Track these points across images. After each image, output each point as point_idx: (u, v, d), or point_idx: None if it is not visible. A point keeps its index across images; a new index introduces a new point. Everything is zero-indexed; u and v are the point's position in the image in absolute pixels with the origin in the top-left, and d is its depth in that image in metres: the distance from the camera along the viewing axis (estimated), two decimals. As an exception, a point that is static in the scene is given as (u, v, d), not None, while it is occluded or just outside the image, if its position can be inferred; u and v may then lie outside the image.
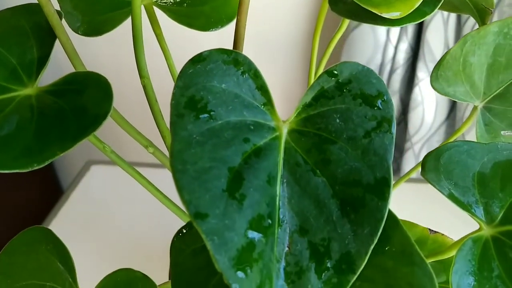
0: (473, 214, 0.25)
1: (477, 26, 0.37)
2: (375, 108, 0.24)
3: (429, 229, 0.32)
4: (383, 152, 0.23)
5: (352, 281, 0.22)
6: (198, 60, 0.24)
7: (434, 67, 0.35)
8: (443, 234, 0.32)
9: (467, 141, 0.28)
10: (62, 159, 1.34)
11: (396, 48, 0.99)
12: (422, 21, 0.92)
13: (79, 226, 0.75)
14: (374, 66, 1.03)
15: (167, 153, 0.34)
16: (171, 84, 0.26)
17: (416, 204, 0.72)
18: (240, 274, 0.20)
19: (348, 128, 0.23)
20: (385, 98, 0.24)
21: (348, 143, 0.23)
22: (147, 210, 0.73)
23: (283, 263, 0.22)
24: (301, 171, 0.23)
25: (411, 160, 1.04)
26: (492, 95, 0.35)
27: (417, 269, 0.21)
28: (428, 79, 0.96)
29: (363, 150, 0.23)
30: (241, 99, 0.24)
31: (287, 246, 0.22)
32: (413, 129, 1.01)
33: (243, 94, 0.24)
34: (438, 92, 0.35)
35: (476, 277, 0.23)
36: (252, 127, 0.23)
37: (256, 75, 0.25)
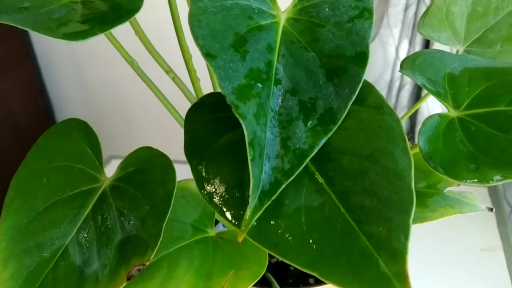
0: (442, 100, 0.30)
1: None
2: (358, 0, 0.29)
3: (410, 141, 0.36)
4: (363, 33, 0.28)
5: (333, 130, 0.26)
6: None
7: (421, 15, 0.40)
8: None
9: (440, 50, 0.32)
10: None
11: (404, 65, 1.05)
12: (428, 37, 0.98)
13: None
14: (384, 83, 1.08)
15: (185, 81, 0.40)
16: None
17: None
18: (239, 101, 0.24)
19: (335, 15, 0.29)
20: (367, -7, 0.29)
21: (335, 26, 0.28)
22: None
23: (276, 113, 0.26)
24: (295, 48, 0.28)
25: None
26: (471, 40, 0.40)
27: (387, 116, 0.26)
28: (434, 92, 1.00)
29: (347, 31, 0.28)
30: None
31: (280, 102, 0.27)
32: (420, 142, 1.05)
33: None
34: (424, 36, 0.40)
35: (440, 138, 0.27)
36: (256, 11, 0.28)
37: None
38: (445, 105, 0.30)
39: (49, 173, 0.33)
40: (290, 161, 0.25)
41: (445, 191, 0.34)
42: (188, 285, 0.30)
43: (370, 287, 0.22)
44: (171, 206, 0.31)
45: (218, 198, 0.27)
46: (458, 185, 0.35)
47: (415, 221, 0.33)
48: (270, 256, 0.45)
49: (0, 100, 1.33)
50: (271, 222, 0.25)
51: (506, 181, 0.25)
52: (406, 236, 0.22)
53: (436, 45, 0.99)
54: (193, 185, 0.36)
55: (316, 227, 0.24)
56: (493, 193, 0.80)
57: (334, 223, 0.24)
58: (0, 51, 1.30)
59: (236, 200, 0.26)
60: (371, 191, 0.24)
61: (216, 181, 0.27)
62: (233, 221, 0.26)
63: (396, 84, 1.07)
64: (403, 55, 1.04)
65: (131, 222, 0.32)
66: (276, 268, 0.48)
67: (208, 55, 0.25)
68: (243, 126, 0.24)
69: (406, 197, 0.23)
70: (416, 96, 1.07)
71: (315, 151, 0.26)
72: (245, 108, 0.24)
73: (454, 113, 0.30)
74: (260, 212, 0.24)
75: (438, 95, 0.29)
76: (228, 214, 0.26)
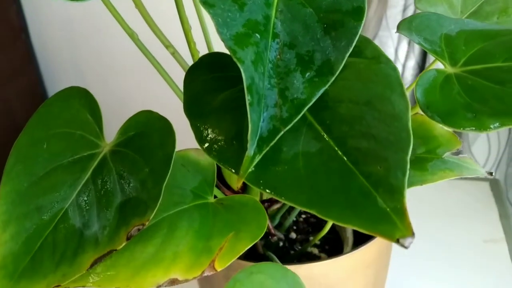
0: (439, 57, 0.30)
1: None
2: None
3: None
4: (360, -12, 0.28)
5: (331, 81, 0.26)
6: None
7: (418, -10, 0.41)
8: (423, 114, 0.36)
9: (437, 13, 0.33)
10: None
11: (404, 66, 1.05)
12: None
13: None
14: (383, 84, 1.09)
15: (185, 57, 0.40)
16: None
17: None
18: (238, 47, 0.25)
19: (331, -28, 0.29)
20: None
21: (331, -17, 0.29)
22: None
23: (274, 64, 0.27)
24: (292, 3, 0.28)
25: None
26: (468, 13, 0.40)
27: (384, 65, 0.26)
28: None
29: (343, -14, 0.28)
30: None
31: (278, 55, 0.27)
32: (421, 142, 1.05)
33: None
34: (421, 10, 0.41)
35: (437, 90, 0.28)
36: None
37: None
38: (442, 62, 0.30)
39: (50, 140, 0.33)
40: (288, 110, 0.26)
41: (444, 155, 0.34)
42: (187, 245, 0.30)
43: (369, 223, 0.22)
44: (171, 168, 0.31)
45: (217, 148, 0.27)
46: (458, 151, 0.35)
47: (415, 184, 0.33)
48: (270, 234, 0.45)
49: (4, 107, 1.34)
50: (270, 168, 0.25)
51: (503, 127, 0.26)
52: (404, 173, 0.22)
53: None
54: (193, 154, 0.36)
55: (314, 170, 0.24)
56: (495, 187, 0.80)
57: (332, 166, 0.24)
58: (2, 59, 1.31)
59: (235, 149, 0.26)
60: (368, 134, 0.24)
61: (215, 133, 0.27)
62: (232, 169, 0.26)
63: (396, 85, 1.07)
64: (402, 56, 1.04)
65: (131, 185, 0.32)
66: (277, 250, 0.48)
67: (205, 3, 0.25)
68: (241, 70, 0.24)
69: (403, 137, 0.23)
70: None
71: (313, 101, 0.26)
72: (243, 54, 0.25)
73: (451, 70, 0.30)
74: (259, 158, 0.24)
75: (435, 53, 0.30)
76: (227, 163, 0.26)
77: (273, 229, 0.44)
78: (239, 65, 0.24)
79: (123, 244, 0.30)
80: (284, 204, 0.44)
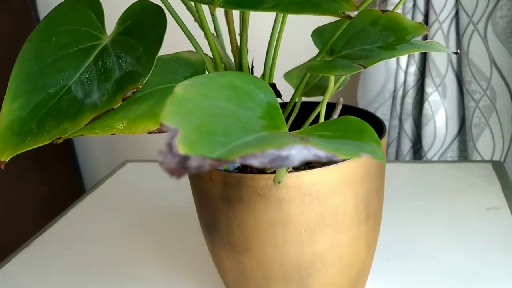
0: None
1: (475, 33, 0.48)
2: None
3: (381, 10, 0.40)
4: None
5: None
6: None
7: None
8: (392, 11, 0.40)
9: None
10: (86, 162, 1.51)
11: (406, 72, 1.09)
12: (426, 40, 1.03)
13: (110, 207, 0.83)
14: (388, 93, 1.12)
15: None
16: None
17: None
18: None
19: None
20: None
21: None
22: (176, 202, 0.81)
23: None
24: None
25: (428, 176, 1.08)
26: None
27: None
28: (436, 92, 1.04)
29: None
30: None
31: None
32: (427, 144, 1.07)
33: None
34: None
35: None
36: None
37: None
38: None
39: (58, 35, 0.38)
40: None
41: (412, 40, 0.38)
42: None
43: (318, 8, 0.25)
44: (162, 44, 0.35)
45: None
46: (425, 38, 0.38)
47: (384, 58, 0.36)
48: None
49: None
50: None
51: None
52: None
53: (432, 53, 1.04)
54: (185, 54, 0.40)
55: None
56: (498, 168, 0.81)
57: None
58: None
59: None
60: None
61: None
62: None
63: (400, 93, 1.11)
64: (404, 63, 1.09)
65: (127, 62, 0.35)
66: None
67: None
68: None
69: None
70: (420, 101, 1.10)
71: None
72: None
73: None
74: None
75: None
76: None
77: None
78: None
79: (119, 104, 0.33)
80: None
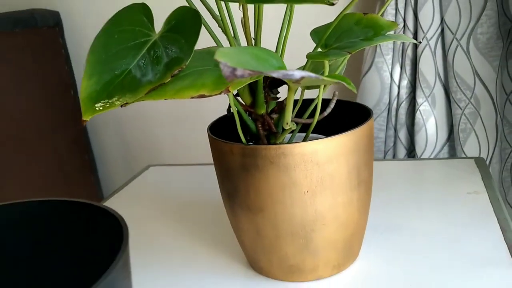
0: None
1: (459, 49, 0.61)
2: None
3: (363, 12, 0.52)
4: None
5: None
6: None
7: None
8: (371, 13, 0.52)
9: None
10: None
11: (399, 86, 1.22)
12: (416, 56, 1.16)
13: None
14: (383, 106, 1.25)
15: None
16: None
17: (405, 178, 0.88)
18: None
19: None
20: None
21: None
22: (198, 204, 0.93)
23: None
24: None
25: (421, 178, 1.18)
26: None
27: None
28: (426, 102, 1.16)
29: None
30: None
31: None
32: (420, 150, 1.18)
33: None
34: None
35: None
36: None
37: None
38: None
39: (119, 33, 0.50)
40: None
41: (386, 34, 0.50)
42: (211, 80, 0.46)
43: None
44: (198, 38, 0.47)
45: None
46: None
47: (362, 46, 0.48)
48: (272, 133, 0.59)
49: (54, 154, 1.53)
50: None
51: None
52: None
53: (422, 60, 1.17)
54: (213, 49, 0.53)
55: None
56: (480, 163, 0.92)
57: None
58: (54, 112, 1.52)
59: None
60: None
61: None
62: None
63: (394, 105, 1.23)
64: (396, 78, 1.21)
65: (173, 51, 0.48)
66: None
67: None
68: None
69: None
70: (412, 111, 1.22)
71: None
72: None
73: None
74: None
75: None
76: None
77: (274, 127, 0.59)
78: None
79: (169, 79, 0.45)
80: (282, 114, 0.59)
